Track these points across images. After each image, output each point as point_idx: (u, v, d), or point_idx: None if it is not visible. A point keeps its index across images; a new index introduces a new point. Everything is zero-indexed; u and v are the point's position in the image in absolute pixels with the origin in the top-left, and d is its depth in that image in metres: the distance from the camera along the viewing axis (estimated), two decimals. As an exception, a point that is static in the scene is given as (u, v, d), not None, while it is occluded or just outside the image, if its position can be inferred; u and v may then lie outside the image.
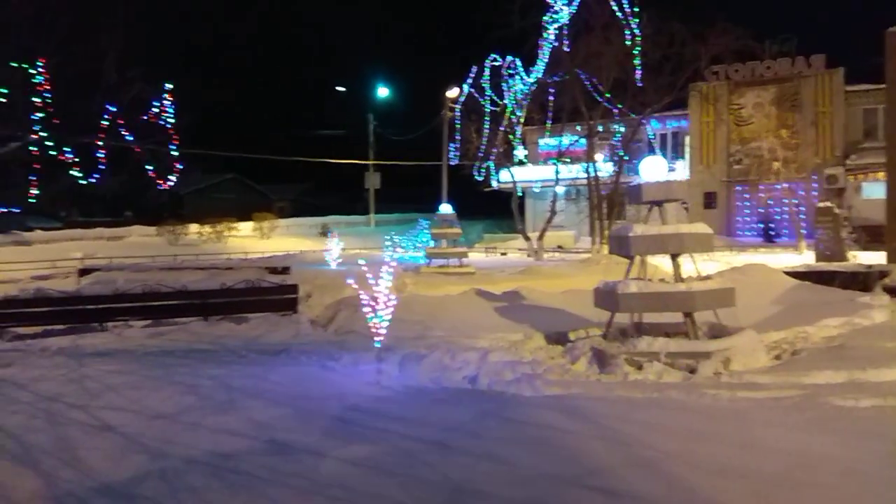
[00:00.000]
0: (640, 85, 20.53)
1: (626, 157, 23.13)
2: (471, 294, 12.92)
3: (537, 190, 30.53)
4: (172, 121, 11.27)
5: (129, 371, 8.18)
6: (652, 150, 23.06)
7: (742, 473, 4.63)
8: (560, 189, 26.20)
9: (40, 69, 9.54)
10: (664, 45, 20.95)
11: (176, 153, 11.64)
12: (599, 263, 16.11)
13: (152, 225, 31.63)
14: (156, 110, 11.03)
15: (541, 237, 24.32)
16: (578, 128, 24.71)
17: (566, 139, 24.85)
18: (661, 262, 11.12)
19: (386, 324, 8.71)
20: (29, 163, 9.94)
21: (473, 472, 4.91)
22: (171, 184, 12.31)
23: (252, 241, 33.14)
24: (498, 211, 32.23)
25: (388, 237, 17.09)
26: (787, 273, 13.60)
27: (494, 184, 27.00)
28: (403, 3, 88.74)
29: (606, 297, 8.49)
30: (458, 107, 24.53)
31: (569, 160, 25.46)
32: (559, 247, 26.56)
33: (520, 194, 27.29)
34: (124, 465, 5.21)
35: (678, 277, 8.53)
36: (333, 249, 19.75)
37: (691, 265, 8.86)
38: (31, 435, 5.90)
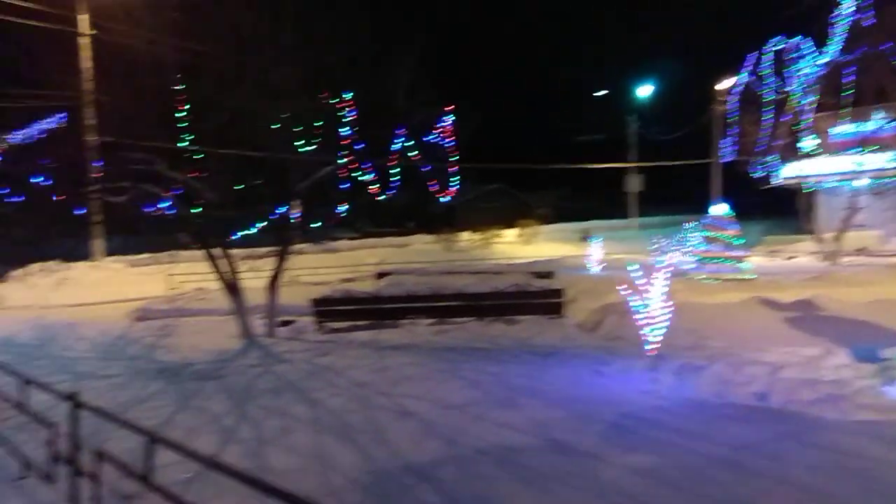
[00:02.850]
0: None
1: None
2: (753, 302, 11.81)
3: (831, 184, 26.67)
4: (453, 140, 12.34)
5: (420, 364, 9.14)
6: None
7: None
8: (862, 182, 22.58)
9: (347, 102, 11.16)
10: None
11: (455, 169, 12.72)
12: (919, 269, 13.51)
13: (430, 233, 34.94)
14: (439, 131, 12.19)
15: (837, 238, 21.21)
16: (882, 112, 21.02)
17: (871, 124, 21.28)
18: None
19: (660, 332, 8.43)
20: (338, 183, 11.69)
21: (772, 497, 4.53)
22: (451, 197, 13.45)
23: (515, 246, 34.52)
24: (780, 210, 28.86)
25: (654, 241, 16.38)
26: None
27: (777, 180, 24.27)
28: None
29: (935, 309, 7.12)
30: (732, 98, 22.64)
31: (875, 148, 21.79)
32: (861, 249, 22.85)
33: (808, 190, 24.17)
34: (424, 448, 5.85)
35: None
36: (595, 254, 19.61)
37: None
38: (348, 415, 6.92)
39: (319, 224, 11.96)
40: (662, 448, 5.59)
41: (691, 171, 32.39)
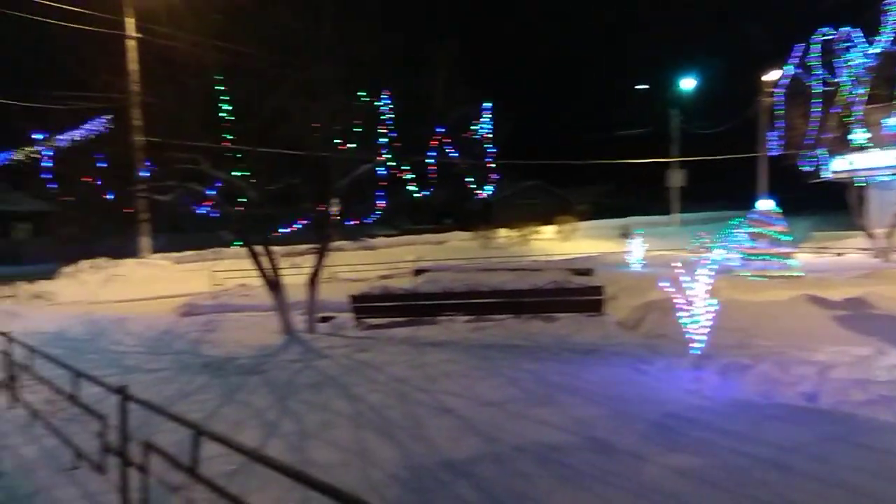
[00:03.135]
0: None
1: None
2: (801, 300, 11.48)
3: (883, 178, 25.72)
4: (490, 136, 12.31)
5: (458, 360, 9.13)
6: None
7: None
8: (917, 176, 21.76)
9: (385, 101, 11.22)
10: None
11: (492, 165, 12.69)
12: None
13: (467, 230, 34.96)
14: (476, 128, 12.17)
15: (890, 234, 20.49)
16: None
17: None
18: None
19: (704, 330, 8.26)
20: (377, 181, 11.77)
21: (822, 500, 4.39)
22: (488, 193, 13.42)
23: (554, 243, 34.26)
24: (829, 205, 28.03)
25: (696, 237, 16.06)
26: None
27: (826, 174, 23.51)
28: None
29: None
30: (779, 90, 22.02)
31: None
32: (915, 245, 21.99)
33: (859, 184, 23.38)
34: (462, 445, 5.84)
35: None
36: (635, 251, 19.32)
37: None
38: (387, 411, 6.96)
39: (357, 222, 12.05)
40: (706, 448, 5.47)
41: (736, 165, 31.67)
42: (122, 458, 4.77)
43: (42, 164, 10.71)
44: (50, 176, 10.66)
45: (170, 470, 4.79)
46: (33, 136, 10.87)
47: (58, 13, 18.23)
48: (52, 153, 10.83)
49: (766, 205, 16.29)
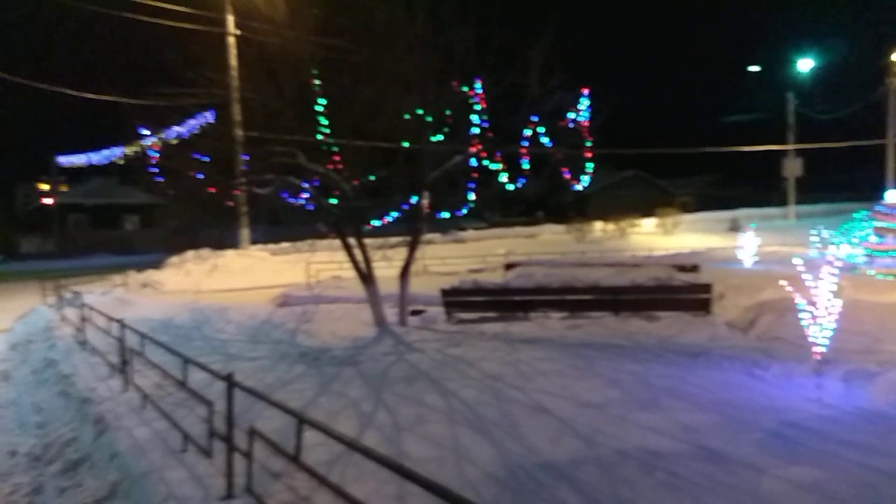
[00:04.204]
0: None
1: None
2: (936, 302, 10.36)
3: None
4: (587, 124, 11.80)
5: (554, 359, 8.81)
6: None
7: None
8: None
9: (478, 90, 10.99)
10: None
11: (589, 155, 12.17)
12: None
13: (561, 223, 34.12)
14: (572, 116, 11.70)
15: None
16: None
17: None
18: None
19: (827, 333, 7.54)
20: (468, 173, 11.56)
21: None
22: (584, 185, 12.90)
23: (655, 237, 32.85)
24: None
25: (815, 232, 14.82)
26: None
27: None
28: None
29: None
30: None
31: None
32: None
33: None
34: (561, 447, 5.59)
35: None
36: (747, 246, 18.15)
37: None
38: (481, 408, 6.78)
39: (448, 214, 11.90)
40: (830, 461, 5.00)
41: (859, 153, 29.28)
42: (228, 443, 4.86)
43: (149, 158, 11.27)
44: (156, 170, 11.20)
45: (271, 456, 4.85)
46: (141, 132, 11.44)
47: (163, 12, 19.36)
48: (158, 148, 11.37)
49: (894, 196, 14.87)
